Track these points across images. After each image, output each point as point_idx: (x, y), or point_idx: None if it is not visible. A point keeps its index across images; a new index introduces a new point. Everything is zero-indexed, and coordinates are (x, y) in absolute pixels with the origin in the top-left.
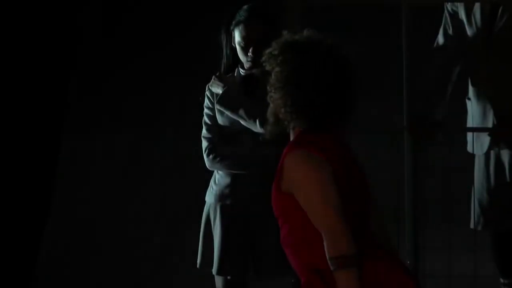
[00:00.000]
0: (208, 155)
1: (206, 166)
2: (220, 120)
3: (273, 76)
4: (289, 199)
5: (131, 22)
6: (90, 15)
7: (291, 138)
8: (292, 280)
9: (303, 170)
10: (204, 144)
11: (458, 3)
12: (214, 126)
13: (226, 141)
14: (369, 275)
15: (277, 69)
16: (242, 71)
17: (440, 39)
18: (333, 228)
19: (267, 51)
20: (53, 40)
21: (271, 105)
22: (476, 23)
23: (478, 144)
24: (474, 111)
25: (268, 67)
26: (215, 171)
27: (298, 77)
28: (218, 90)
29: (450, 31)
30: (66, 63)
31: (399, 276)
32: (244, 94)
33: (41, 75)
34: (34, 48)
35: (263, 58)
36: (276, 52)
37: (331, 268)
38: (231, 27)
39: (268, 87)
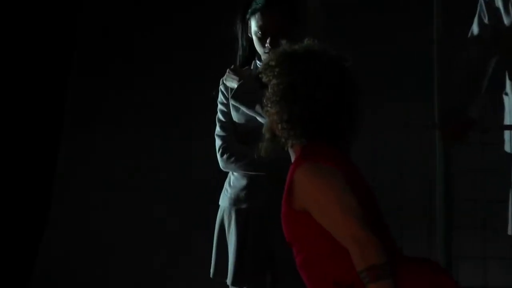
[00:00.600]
0: (222, 155)
1: (220, 167)
2: (235, 116)
3: (269, 89)
4: (304, 218)
5: (135, 19)
6: (92, 13)
7: (292, 156)
8: None
9: (317, 183)
10: (218, 142)
11: None
12: (228, 123)
13: (242, 140)
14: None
15: (273, 81)
16: (259, 64)
17: (475, 29)
18: (359, 238)
19: (264, 61)
20: (52, 40)
21: (267, 120)
22: None
23: None
24: (511, 107)
25: (264, 79)
26: (230, 173)
27: (295, 91)
28: (233, 84)
29: (486, 20)
30: (64, 62)
31: (431, 278)
32: (261, 89)
33: (40, 74)
34: (33, 48)
35: (260, 69)
36: (273, 63)
37: (364, 282)
38: (247, 16)
39: (264, 101)
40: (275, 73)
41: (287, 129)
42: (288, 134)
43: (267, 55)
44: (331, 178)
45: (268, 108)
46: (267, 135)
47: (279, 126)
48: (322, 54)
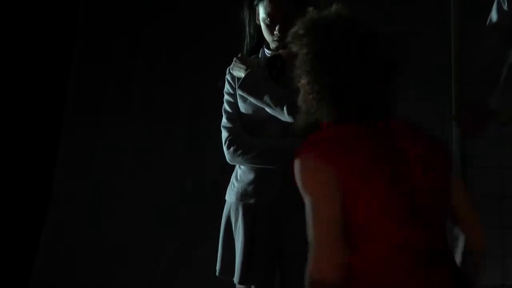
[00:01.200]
0: (228, 148)
1: (226, 160)
2: (242, 107)
3: (299, 59)
4: None
5: (138, 10)
6: (95, 4)
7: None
8: None
9: (304, 182)
10: (224, 135)
11: None
12: (235, 115)
13: (249, 132)
14: None
15: (302, 51)
16: (267, 52)
17: (494, 16)
18: (322, 246)
19: (292, 30)
20: (52, 38)
21: (301, 91)
22: None
23: None
24: None
25: (294, 49)
26: (237, 166)
27: (324, 61)
28: (240, 73)
29: (505, 7)
30: (65, 56)
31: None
32: (270, 78)
33: (39, 70)
34: (32, 46)
35: (288, 39)
36: (301, 32)
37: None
38: (255, 2)
39: (296, 71)
40: (304, 42)
41: (317, 100)
42: (318, 106)
43: (276, 42)
44: (319, 181)
45: (300, 79)
46: (302, 107)
47: (310, 97)
48: (352, 21)
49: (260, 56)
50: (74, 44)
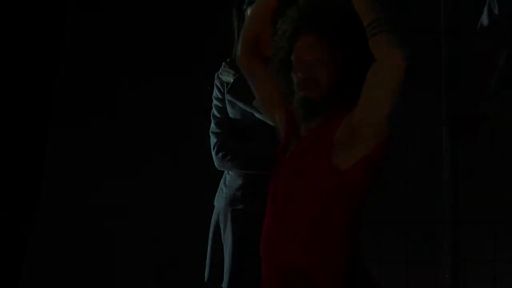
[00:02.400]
0: (217, 153)
1: (214, 166)
2: (231, 112)
3: None
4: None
5: (130, 11)
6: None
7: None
8: None
9: None
10: (213, 140)
11: None
12: (224, 120)
13: (238, 137)
14: None
15: None
16: None
17: (485, 19)
18: None
19: None
20: (39, 36)
21: None
22: None
23: None
24: None
25: None
26: (226, 172)
27: None
28: (229, 78)
29: (496, 10)
30: (52, 57)
31: None
32: None
33: (26, 70)
34: (20, 44)
35: None
36: None
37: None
38: (244, 7)
39: None
40: None
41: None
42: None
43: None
44: None
45: None
46: None
47: None
48: None
49: None
50: (62, 44)
